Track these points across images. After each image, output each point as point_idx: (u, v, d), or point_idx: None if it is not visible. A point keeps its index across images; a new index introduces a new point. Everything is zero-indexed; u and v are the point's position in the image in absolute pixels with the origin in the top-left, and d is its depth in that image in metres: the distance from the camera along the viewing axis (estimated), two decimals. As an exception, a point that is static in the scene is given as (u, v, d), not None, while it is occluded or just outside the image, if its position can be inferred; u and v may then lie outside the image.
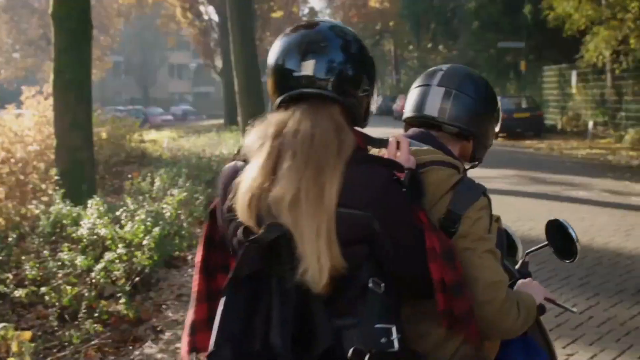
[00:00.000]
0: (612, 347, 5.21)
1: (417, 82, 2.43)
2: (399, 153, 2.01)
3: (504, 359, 2.23)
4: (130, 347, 5.17)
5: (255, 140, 1.90)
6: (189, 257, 7.86)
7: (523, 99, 28.98)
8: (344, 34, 2.00)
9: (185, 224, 8.63)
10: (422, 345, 1.94)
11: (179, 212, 8.72)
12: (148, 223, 6.89)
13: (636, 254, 8.03)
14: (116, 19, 40.33)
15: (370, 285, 1.73)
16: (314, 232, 1.69)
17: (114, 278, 6.08)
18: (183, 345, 2.01)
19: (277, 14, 42.25)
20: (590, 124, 25.69)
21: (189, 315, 2.01)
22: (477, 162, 2.52)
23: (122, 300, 5.67)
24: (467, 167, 2.37)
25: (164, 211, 8.03)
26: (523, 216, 10.65)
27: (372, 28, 71.32)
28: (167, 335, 5.39)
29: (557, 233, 2.75)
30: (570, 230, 2.64)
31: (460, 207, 2.01)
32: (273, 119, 1.93)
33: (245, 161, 1.90)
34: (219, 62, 33.57)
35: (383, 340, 1.70)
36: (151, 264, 6.54)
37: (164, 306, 6.09)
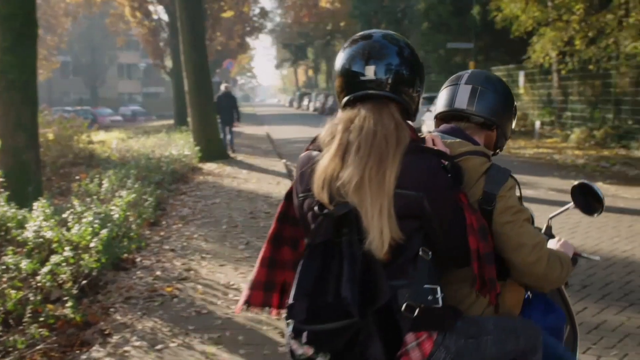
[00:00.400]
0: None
1: (445, 84, 2.94)
2: (435, 148, 2.36)
3: (526, 315, 2.61)
4: (77, 352, 5.09)
5: (328, 134, 2.39)
6: (138, 259, 7.79)
7: (472, 99, 29.35)
8: (397, 41, 2.45)
9: (134, 226, 8.55)
10: (458, 306, 2.36)
11: (128, 213, 8.63)
12: (96, 225, 6.79)
13: (581, 251, 8.14)
14: (63, 19, 39.76)
15: (420, 253, 2.20)
16: (377, 210, 2.14)
17: (60, 281, 5.98)
18: (241, 299, 2.60)
19: (228, 14, 42.04)
20: (537, 123, 26.08)
21: (255, 273, 2.57)
22: (499, 150, 2.96)
23: (69, 303, 5.58)
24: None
25: (112, 213, 7.93)
26: (472, 215, 10.75)
27: (323, 28, 71.44)
28: (115, 338, 5.32)
29: (581, 194, 3.19)
30: (595, 188, 3.07)
31: (494, 188, 2.43)
32: (342, 115, 2.38)
33: (320, 150, 2.37)
34: (168, 62, 33.30)
35: (430, 298, 2.18)
36: (99, 266, 6.45)
37: (112, 309, 6.01)
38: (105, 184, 10.41)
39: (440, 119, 2.89)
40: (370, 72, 2.33)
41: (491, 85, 2.82)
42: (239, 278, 7.06)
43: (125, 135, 27.22)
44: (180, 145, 18.47)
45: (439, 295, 2.21)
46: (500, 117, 2.81)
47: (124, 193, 9.23)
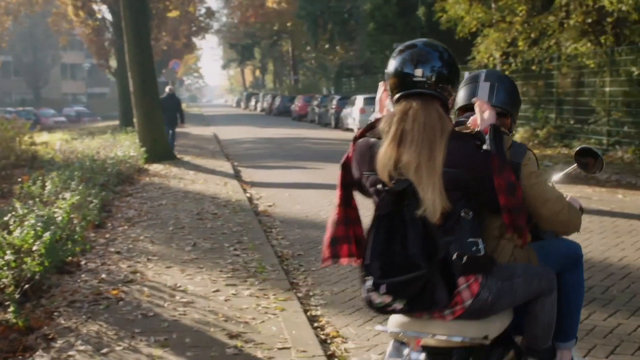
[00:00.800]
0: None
1: (464, 82, 3.65)
2: (487, 112, 3.14)
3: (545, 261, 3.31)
4: (20, 357, 4.99)
5: (386, 124, 2.97)
6: (83, 262, 7.67)
7: (418, 99, 29.61)
8: (437, 47, 3.13)
9: (78, 228, 8.41)
10: (492, 253, 3.09)
11: (72, 216, 8.49)
12: (38, 228, 6.66)
13: (526, 249, 8.29)
14: (4, 17, 38.95)
15: (462, 214, 2.90)
16: (431, 187, 2.81)
17: (1, 286, 5.88)
18: (324, 253, 3.19)
19: (173, 14, 41.71)
20: (482, 123, 26.46)
21: (329, 233, 3.20)
22: (512, 133, 3.62)
23: (11, 308, 5.47)
24: None
25: (55, 215, 7.79)
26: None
27: (270, 28, 71.35)
28: (59, 343, 5.22)
29: (582, 156, 3.94)
30: (594, 149, 3.88)
31: (518, 157, 3.15)
32: (397, 109, 3.01)
33: (378, 138, 2.99)
34: (113, 62, 32.88)
35: (473, 249, 2.88)
36: (42, 270, 6.33)
37: (56, 313, 5.90)
38: (49, 186, 10.23)
39: (463, 110, 3.67)
40: (419, 73, 2.97)
41: (503, 83, 3.62)
42: (186, 280, 7.00)
43: (70, 137, 26.82)
44: (125, 147, 18.25)
45: (480, 246, 2.91)
46: (512, 107, 3.61)
47: (67, 195, 9.08)
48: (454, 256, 2.82)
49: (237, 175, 16.67)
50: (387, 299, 2.85)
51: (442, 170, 2.83)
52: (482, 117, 3.13)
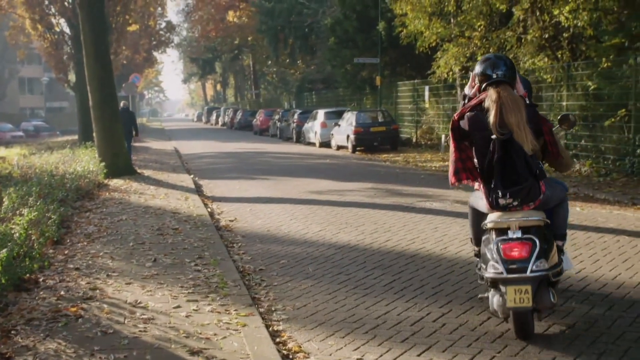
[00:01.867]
0: (464, 352, 5.39)
1: (485, 67, 5.83)
2: (531, 103, 5.85)
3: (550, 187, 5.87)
4: (-24, 377, 4.89)
5: (489, 102, 5.47)
6: (41, 279, 7.55)
7: (379, 113, 29.74)
8: (505, 58, 5.78)
9: (36, 245, 8.29)
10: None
11: (30, 232, 8.37)
12: (-5, 245, 6.56)
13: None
14: (-41, 31, 38.42)
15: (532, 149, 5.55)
16: (524, 136, 5.39)
17: (-43, 304, 5.75)
18: (452, 179, 5.95)
19: (133, 27, 41.50)
20: (443, 137, 26.64)
21: (452, 168, 5.86)
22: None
23: (-33, 327, 5.36)
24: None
25: (12, 232, 7.68)
26: (380, 228, 10.90)
27: (231, 43, 71.30)
28: (17, 362, 5.14)
29: (562, 122, 6.43)
30: (570, 115, 6.42)
31: (541, 123, 5.80)
32: (491, 92, 5.52)
33: (483, 111, 5.54)
34: (72, 76, 32.55)
35: (540, 166, 5.65)
36: (-2, 287, 6.23)
37: (13, 332, 5.80)
38: (6, 201, 10.08)
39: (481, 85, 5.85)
40: (498, 73, 5.65)
41: (519, 74, 6.09)
42: (146, 296, 6.94)
43: (28, 152, 26.48)
44: (85, 161, 18.05)
45: (542, 165, 5.70)
46: (527, 87, 6.34)
47: (25, 211, 8.95)
48: (537, 171, 5.57)
49: (198, 190, 16.59)
50: (510, 200, 5.54)
51: (527, 125, 5.47)
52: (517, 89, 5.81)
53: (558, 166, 6.18)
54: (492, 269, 5.47)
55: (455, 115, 5.73)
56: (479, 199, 6.03)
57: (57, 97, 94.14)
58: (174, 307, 6.55)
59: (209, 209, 13.45)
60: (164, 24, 62.80)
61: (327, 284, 7.63)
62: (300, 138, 36.67)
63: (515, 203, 5.49)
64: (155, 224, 11.33)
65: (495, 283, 5.55)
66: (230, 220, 12.19)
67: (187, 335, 5.73)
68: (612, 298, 6.72)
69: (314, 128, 33.53)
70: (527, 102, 5.59)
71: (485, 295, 5.86)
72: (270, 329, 6.09)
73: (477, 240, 6.32)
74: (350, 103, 39.74)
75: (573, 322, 6.00)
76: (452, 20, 24.09)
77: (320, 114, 33.18)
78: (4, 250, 6.49)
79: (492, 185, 5.53)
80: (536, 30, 19.51)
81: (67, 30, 31.46)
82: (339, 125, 29.87)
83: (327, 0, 48.51)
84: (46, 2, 30.58)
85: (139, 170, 20.53)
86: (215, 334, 5.75)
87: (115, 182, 17.67)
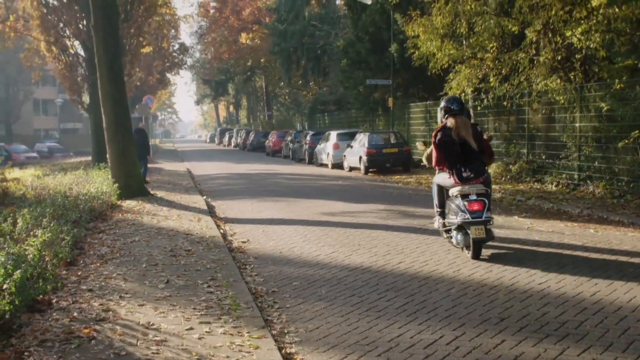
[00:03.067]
0: (478, 376, 5.35)
1: (442, 105, 10.65)
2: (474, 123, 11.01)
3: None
4: (-11, 399, 4.89)
5: (452, 126, 10.08)
6: (54, 301, 7.56)
7: (392, 134, 29.73)
8: (458, 98, 10.71)
9: (49, 266, 8.32)
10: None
11: (43, 253, 8.40)
12: (9, 266, 6.58)
13: (498, 284, 8.32)
14: (-24, 53, 38.78)
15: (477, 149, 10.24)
16: (471, 141, 10.05)
17: (-29, 325, 5.76)
18: (434, 164, 10.62)
19: (147, 50, 41.72)
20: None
21: (435, 160, 10.48)
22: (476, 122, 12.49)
23: (-20, 348, 5.37)
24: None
25: (26, 253, 7.70)
26: (393, 250, 10.86)
27: (244, 64, 71.66)
28: (29, 384, 5.13)
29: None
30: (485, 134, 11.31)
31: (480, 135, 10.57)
32: (451, 119, 10.19)
33: (450, 129, 10.12)
34: (86, 98, 32.73)
35: (482, 161, 10.38)
36: (12, 308, 6.25)
37: (26, 353, 5.80)
38: (20, 223, 10.13)
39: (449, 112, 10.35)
40: (456, 107, 10.31)
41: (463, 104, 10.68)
42: (159, 318, 6.93)
43: (42, 173, 26.59)
44: (98, 183, 18.12)
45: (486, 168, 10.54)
46: (468, 114, 10.90)
47: (39, 232, 8.98)
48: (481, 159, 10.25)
49: (211, 212, 16.61)
50: (469, 173, 9.96)
51: (472, 136, 10.00)
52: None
53: (489, 159, 10.72)
54: (461, 217, 9.79)
55: (434, 132, 10.40)
56: (445, 179, 10.53)
57: (71, 119, 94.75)
58: (187, 329, 6.54)
59: (222, 231, 13.46)
60: (177, 46, 63.33)
61: (340, 306, 7.61)
62: (313, 159, 36.71)
63: (472, 175, 10.05)
64: (168, 245, 11.34)
65: (461, 226, 9.97)
66: (242, 242, 12.20)
67: (200, 357, 5.72)
68: (627, 321, 6.66)
69: (327, 149, 33.58)
70: (472, 122, 10.55)
71: (450, 236, 10.60)
72: (283, 351, 6.07)
73: (441, 204, 10.85)
74: (362, 124, 39.80)
75: (588, 346, 5.95)
76: (464, 41, 24.12)
77: (333, 135, 33.24)
78: (18, 271, 6.51)
79: (457, 168, 10.13)
80: (549, 51, 19.50)
81: (81, 52, 31.67)
82: (352, 147, 29.90)
83: (339, 22, 48.79)
84: (61, 25, 30.82)
85: (152, 192, 20.59)
86: (227, 357, 5.73)
87: (128, 204, 17.72)
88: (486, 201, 9.75)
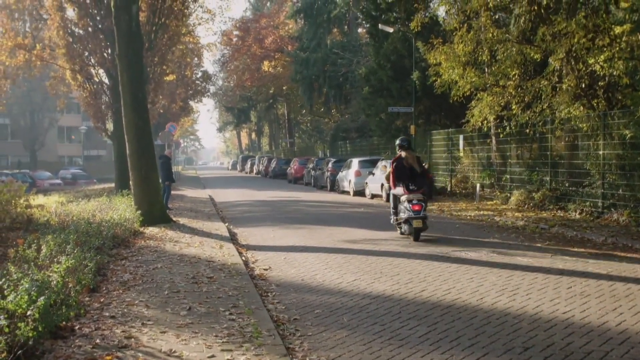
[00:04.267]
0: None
1: (398, 142, 16.67)
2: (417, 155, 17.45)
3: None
4: None
5: (403, 155, 16.11)
6: (77, 327, 7.58)
7: (413, 162, 29.63)
8: (408, 138, 20.71)
9: (72, 293, 8.34)
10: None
11: (67, 279, 8.43)
12: (33, 292, 6.62)
13: (522, 313, 8.25)
14: (2, 81, 39.20)
15: (419, 172, 16.24)
16: (417, 167, 16.11)
17: (-6, 352, 5.78)
18: (392, 185, 16.21)
19: (170, 77, 42.12)
20: (478, 186, 26.52)
21: (392, 181, 16.11)
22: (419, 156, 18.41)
23: (4, 375, 5.39)
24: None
25: (50, 279, 7.74)
26: (415, 277, 10.81)
27: (266, 92, 72.14)
28: (52, 411, 5.14)
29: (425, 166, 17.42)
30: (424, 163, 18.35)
31: (422, 163, 16.80)
32: (404, 152, 16.10)
33: (404, 159, 16.10)
34: (110, 125, 33.03)
35: (422, 181, 16.15)
36: (35, 335, 6.27)
37: (48, 380, 5.82)
38: (44, 249, 10.19)
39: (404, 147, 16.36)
40: (405, 143, 16.48)
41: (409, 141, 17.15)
42: (181, 345, 6.93)
43: (65, 199, 26.79)
44: (121, 209, 18.23)
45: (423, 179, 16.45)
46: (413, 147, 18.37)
47: (62, 259, 9.03)
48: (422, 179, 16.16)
49: (233, 239, 16.63)
50: (414, 187, 15.62)
51: (416, 163, 16.08)
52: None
53: (428, 179, 16.15)
54: (407, 214, 15.24)
55: (392, 160, 16.22)
56: (398, 191, 15.88)
57: (95, 146, 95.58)
58: (209, 357, 6.53)
59: (244, 258, 13.47)
60: (200, 74, 63.83)
61: (362, 334, 7.57)
62: (335, 187, 36.74)
63: (415, 188, 15.51)
64: (190, 272, 11.35)
65: (407, 220, 15.34)
66: (264, 269, 12.19)
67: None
68: (654, 352, 6.58)
69: (348, 177, 33.59)
70: (417, 155, 16.32)
71: (401, 228, 15.96)
72: (305, 379, 6.03)
73: (395, 207, 16.38)
74: (384, 152, 39.81)
75: (614, 376, 5.88)
76: (486, 69, 24.14)
77: (355, 162, 33.27)
78: (42, 298, 6.54)
79: (406, 184, 15.64)
80: (571, 79, 19.46)
81: (105, 80, 32.01)
82: (373, 174, 29.90)
83: (361, 50, 49.01)
84: (86, 54, 31.19)
85: (174, 219, 20.67)
86: (249, 385, 5.70)
87: (150, 230, 17.80)
88: (423, 204, 15.37)
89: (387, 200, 28.28)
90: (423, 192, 15.59)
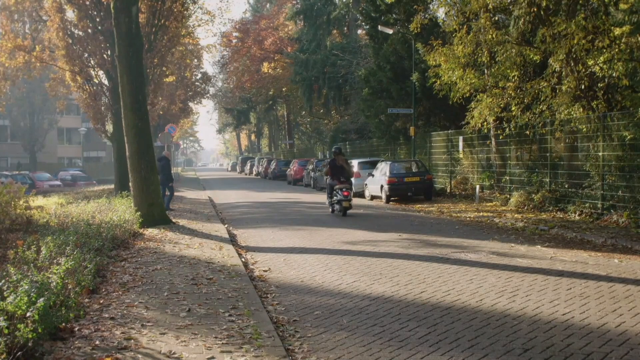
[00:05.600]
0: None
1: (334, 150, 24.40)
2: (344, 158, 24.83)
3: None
4: None
5: (336, 157, 23.48)
6: (76, 329, 7.58)
7: (413, 163, 29.70)
8: (340, 145, 31.38)
9: (72, 294, 8.35)
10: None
11: (66, 281, 8.43)
12: (32, 294, 6.61)
13: (522, 314, 8.25)
14: (2, 82, 39.17)
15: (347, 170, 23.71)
16: (344, 166, 23.40)
17: (-6, 353, 5.78)
18: (326, 177, 23.98)
19: (170, 79, 42.13)
20: (477, 187, 26.52)
21: (329, 174, 23.41)
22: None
23: (3, 376, 5.39)
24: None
25: (49, 281, 7.74)
26: (414, 279, 10.81)
27: (265, 93, 72.05)
28: (51, 412, 5.14)
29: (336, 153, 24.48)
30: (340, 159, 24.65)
31: (346, 162, 24.10)
32: (336, 156, 23.43)
33: (337, 161, 23.43)
34: (110, 127, 33.03)
35: (345, 175, 23.59)
36: (35, 336, 6.26)
37: (48, 381, 5.81)
38: (43, 250, 10.18)
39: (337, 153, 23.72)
40: (337, 151, 23.84)
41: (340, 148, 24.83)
42: (181, 346, 6.93)
43: (65, 201, 26.79)
44: (121, 211, 18.22)
45: (352, 173, 24.94)
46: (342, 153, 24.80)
47: (62, 260, 9.03)
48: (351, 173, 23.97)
49: (232, 240, 16.63)
50: (343, 179, 22.80)
51: (345, 163, 23.37)
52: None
53: (348, 175, 23.17)
54: (339, 198, 22.49)
55: (328, 161, 25.23)
56: (333, 182, 22.92)
57: (94, 147, 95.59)
58: (208, 358, 6.53)
59: (243, 259, 13.47)
60: (200, 75, 63.82)
61: (362, 335, 7.57)
62: (334, 188, 36.66)
63: (344, 180, 22.76)
64: (190, 274, 11.36)
65: (339, 202, 22.50)
66: (264, 271, 12.19)
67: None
68: (653, 353, 6.58)
69: (348, 178, 33.55)
70: (345, 159, 23.62)
71: (334, 207, 23.12)
72: (305, 381, 6.03)
73: (330, 193, 23.37)
74: (384, 153, 39.82)
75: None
76: (485, 71, 24.15)
77: (354, 164, 33.27)
78: (42, 299, 6.53)
79: (338, 177, 22.77)
80: (571, 80, 19.46)
81: (105, 82, 32.01)
82: (373, 176, 29.90)
83: (360, 51, 49.00)
84: (86, 55, 31.19)
85: (173, 220, 20.67)
86: (249, 386, 5.70)
87: (150, 232, 17.80)
88: (350, 191, 22.58)
89: (387, 201, 28.45)
90: (349, 183, 23.06)
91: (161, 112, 49.07)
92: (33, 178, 56.71)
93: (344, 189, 22.39)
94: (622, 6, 17.16)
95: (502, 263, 12.18)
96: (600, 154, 19.06)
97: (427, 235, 16.46)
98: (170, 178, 26.00)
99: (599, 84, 19.31)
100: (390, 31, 34.53)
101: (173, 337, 7.32)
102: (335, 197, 22.79)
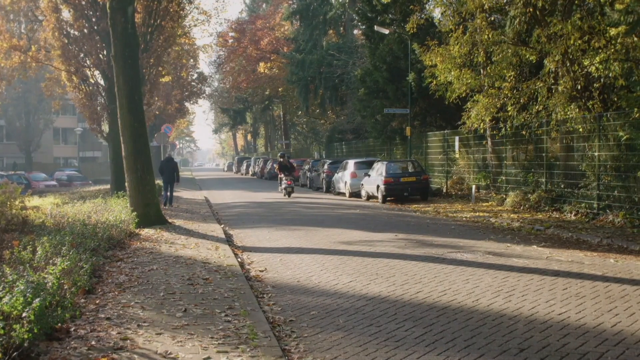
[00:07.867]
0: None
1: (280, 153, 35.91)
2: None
3: None
4: None
5: (280, 160, 34.88)
6: (72, 329, 7.57)
7: (409, 163, 29.72)
8: (285, 152, 46.81)
9: (68, 294, 8.33)
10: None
11: (62, 281, 8.41)
12: (28, 294, 6.60)
13: (518, 314, 8.26)
14: (-3, 82, 39.18)
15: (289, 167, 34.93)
16: (287, 164, 34.18)
17: (-10, 354, 5.76)
18: (278, 173, 35.12)
19: (166, 79, 42.08)
20: (474, 187, 26.54)
21: (279, 172, 34.63)
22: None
23: (-1, 377, 5.37)
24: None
25: (45, 281, 7.73)
26: (411, 279, 10.82)
27: (262, 93, 72.03)
28: (47, 412, 5.13)
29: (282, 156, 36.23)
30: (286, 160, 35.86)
31: (290, 162, 35.77)
32: (280, 158, 35.05)
33: (283, 161, 34.75)
34: (105, 127, 33.00)
35: (294, 169, 36.24)
36: (31, 337, 6.25)
37: (44, 382, 5.80)
38: (39, 251, 10.16)
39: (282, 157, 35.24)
40: (284, 154, 35.37)
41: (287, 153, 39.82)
42: (177, 347, 6.92)
43: (61, 201, 26.74)
44: (117, 211, 18.20)
45: (295, 169, 36.96)
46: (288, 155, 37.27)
47: (58, 260, 9.01)
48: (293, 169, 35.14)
49: (228, 240, 16.62)
50: (288, 174, 33.75)
51: (288, 164, 34.40)
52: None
53: (291, 171, 34.17)
54: (284, 185, 33.54)
55: (277, 163, 35.43)
56: (282, 176, 34.09)
57: (90, 147, 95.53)
58: (204, 358, 6.53)
59: (239, 259, 13.46)
60: (196, 76, 63.84)
61: (358, 335, 7.57)
62: (330, 188, 36.75)
63: (288, 175, 33.71)
64: (186, 274, 11.34)
65: (285, 189, 33.45)
66: (260, 271, 12.19)
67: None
68: (649, 353, 6.59)
69: (344, 178, 33.61)
70: (289, 159, 34.81)
71: (282, 192, 33.95)
72: (301, 381, 6.02)
73: (280, 183, 34.50)
74: (380, 153, 39.85)
75: (609, 378, 5.88)
76: (482, 71, 24.19)
77: (350, 164, 33.29)
78: (37, 299, 6.52)
79: (284, 173, 33.75)
80: (567, 81, 19.49)
81: (101, 82, 31.99)
82: (369, 176, 29.92)
83: (357, 51, 49.01)
84: (82, 55, 31.17)
85: (169, 220, 20.65)
86: (245, 386, 5.70)
87: (146, 232, 17.78)
88: (292, 181, 33.72)
89: (383, 201, 28.49)
90: (293, 177, 34.22)
91: (157, 112, 49.00)
92: (29, 178, 56.61)
93: (288, 179, 33.32)
94: (617, 6, 17.20)
95: (499, 263, 12.19)
96: (596, 154, 19.09)
97: (423, 235, 16.47)
98: (179, 178, 27.96)
99: (594, 84, 19.36)
100: (387, 31, 34.57)
101: (169, 337, 7.31)
102: (282, 186, 33.79)
